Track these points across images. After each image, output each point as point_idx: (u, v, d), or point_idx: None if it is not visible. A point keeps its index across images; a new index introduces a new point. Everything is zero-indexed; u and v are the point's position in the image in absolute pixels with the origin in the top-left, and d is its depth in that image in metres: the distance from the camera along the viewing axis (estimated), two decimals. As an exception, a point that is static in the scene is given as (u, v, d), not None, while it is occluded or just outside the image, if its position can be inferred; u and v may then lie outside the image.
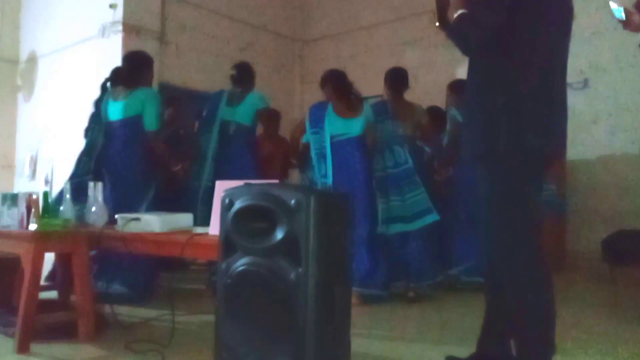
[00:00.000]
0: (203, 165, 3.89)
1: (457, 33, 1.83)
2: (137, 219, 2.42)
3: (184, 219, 2.52)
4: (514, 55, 1.81)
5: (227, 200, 1.86)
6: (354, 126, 3.71)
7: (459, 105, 3.99)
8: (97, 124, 3.80)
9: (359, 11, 7.48)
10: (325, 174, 3.62)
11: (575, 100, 5.56)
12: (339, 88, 3.81)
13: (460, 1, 1.89)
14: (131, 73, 3.65)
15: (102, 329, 2.59)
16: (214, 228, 2.14)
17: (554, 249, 4.93)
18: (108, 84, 3.95)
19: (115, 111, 3.61)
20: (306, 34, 8.20)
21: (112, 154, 3.59)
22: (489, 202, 1.85)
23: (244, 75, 4.11)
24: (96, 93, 6.07)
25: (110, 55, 5.94)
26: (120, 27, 5.83)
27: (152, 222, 2.37)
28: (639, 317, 3.10)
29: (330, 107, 3.75)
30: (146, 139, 3.56)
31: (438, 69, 6.34)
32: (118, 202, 3.30)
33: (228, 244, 1.84)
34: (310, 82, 8.35)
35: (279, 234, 1.70)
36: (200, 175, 3.86)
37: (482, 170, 1.87)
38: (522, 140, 1.74)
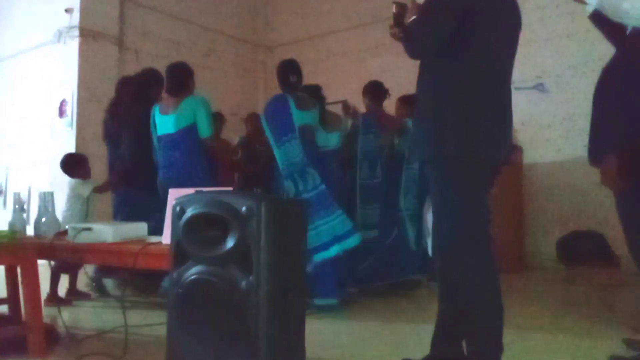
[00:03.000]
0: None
1: (408, 38, 1.86)
2: (89, 229, 2.36)
3: (138, 228, 2.47)
4: (464, 63, 1.85)
5: (178, 209, 1.83)
6: (334, 139, 3.79)
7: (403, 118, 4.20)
8: (143, 139, 3.69)
9: (322, 18, 7.51)
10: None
11: (531, 105, 5.72)
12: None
13: (416, 7, 1.92)
14: (177, 83, 3.60)
15: (53, 343, 2.51)
16: (167, 237, 2.11)
17: (512, 250, 5.05)
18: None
19: (167, 125, 3.56)
20: (269, 40, 8.18)
21: (170, 167, 3.53)
22: (439, 205, 1.88)
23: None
24: (53, 99, 5.95)
25: (66, 60, 5.81)
26: (76, 32, 5.70)
27: (104, 232, 2.31)
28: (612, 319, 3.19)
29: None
30: (204, 147, 3.54)
31: (401, 75, 6.42)
32: None
33: (179, 253, 1.81)
34: (274, 88, 8.32)
35: (230, 242, 1.69)
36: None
37: (432, 174, 1.90)
38: (470, 147, 1.77)
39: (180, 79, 3.61)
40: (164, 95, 3.78)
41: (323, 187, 3.44)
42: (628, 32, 2.21)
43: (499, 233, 4.48)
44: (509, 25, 1.96)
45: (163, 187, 3.50)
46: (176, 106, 3.52)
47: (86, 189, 3.76)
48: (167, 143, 3.57)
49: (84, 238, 2.34)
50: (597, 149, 2.17)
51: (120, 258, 2.24)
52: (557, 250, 4.59)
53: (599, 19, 2.25)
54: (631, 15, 1.66)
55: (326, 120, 3.82)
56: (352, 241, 3.45)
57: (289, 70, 3.67)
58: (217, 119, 4.63)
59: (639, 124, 2.02)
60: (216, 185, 3.35)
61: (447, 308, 1.95)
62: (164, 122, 3.58)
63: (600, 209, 4.74)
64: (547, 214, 5.48)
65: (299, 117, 3.50)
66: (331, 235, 3.40)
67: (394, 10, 1.99)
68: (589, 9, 2.36)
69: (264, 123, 3.60)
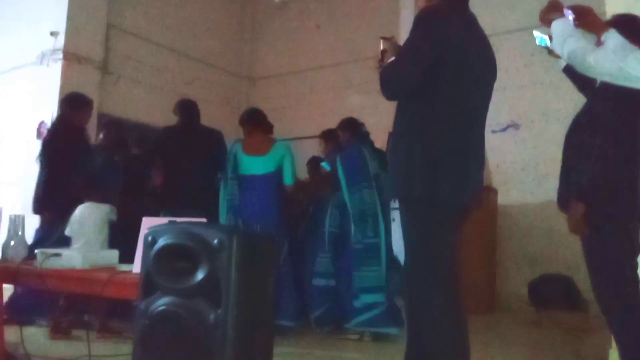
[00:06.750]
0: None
1: (382, 79, 1.91)
2: (58, 255, 2.32)
3: (109, 255, 2.43)
4: (434, 107, 1.90)
5: (149, 238, 1.82)
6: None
7: (329, 154, 4.15)
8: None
9: (306, 53, 7.65)
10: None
11: (506, 149, 5.86)
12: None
13: (396, 48, 1.99)
14: (266, 124, 3.86)
15: (11, 372, 2.43)
16: (137, 266, 2.08)
17: (484, 291, 5.08)
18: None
19: (255, 166, 3.70)
20: (253, 72, 8.28)
21: (250, 207, 3.65)
22: (406, 245, 1.90)
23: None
24: (33, 121, 5.88)
25: (48, 82, 5.78)
26: (60, 55, 5.69)
27: (73, 258, 2.28)
28: None
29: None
30: (283, 193, 3.72)
31: (381, 113, 6.54)
32: None
33: (148, 283, 1.79)
34: (256, 119, 8.38)
35: (200, 275, 1.68)
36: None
37: (402, 213, 1.93)
38: (435, 189, 1.81)
39: (266, 121, 3.86)
40: (247, 136, 3.86)
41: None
42: (597, 85, 2.32)
43: (472, 274, 4.60)
44: (483, 76, 2.02)
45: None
46: (268, 150, 3.71)
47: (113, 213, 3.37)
48: (250, 183, 3.68)
49: (53, 264, 2.29)
50: (565, 196, 2.23)
51: (88, 286, 2.20)
52: (529, 294, 4.63)
53: (571, 71, 2.35)
54: (595, 69, 1.74)
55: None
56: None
57: (358, 122, 3.99)
58: None
59: (603, 173, 2.09)
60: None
61: (413, 347, 1.95)
62: (251, 163, 3.70)
63: (571, 253, 4.82)
64: (519, 256, 5.55)
65: (372, 166, 3.75)
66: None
67: (381, 46, 2.05)
68: (562, 62, 2.47)
69: (338, 167, 3.77)
